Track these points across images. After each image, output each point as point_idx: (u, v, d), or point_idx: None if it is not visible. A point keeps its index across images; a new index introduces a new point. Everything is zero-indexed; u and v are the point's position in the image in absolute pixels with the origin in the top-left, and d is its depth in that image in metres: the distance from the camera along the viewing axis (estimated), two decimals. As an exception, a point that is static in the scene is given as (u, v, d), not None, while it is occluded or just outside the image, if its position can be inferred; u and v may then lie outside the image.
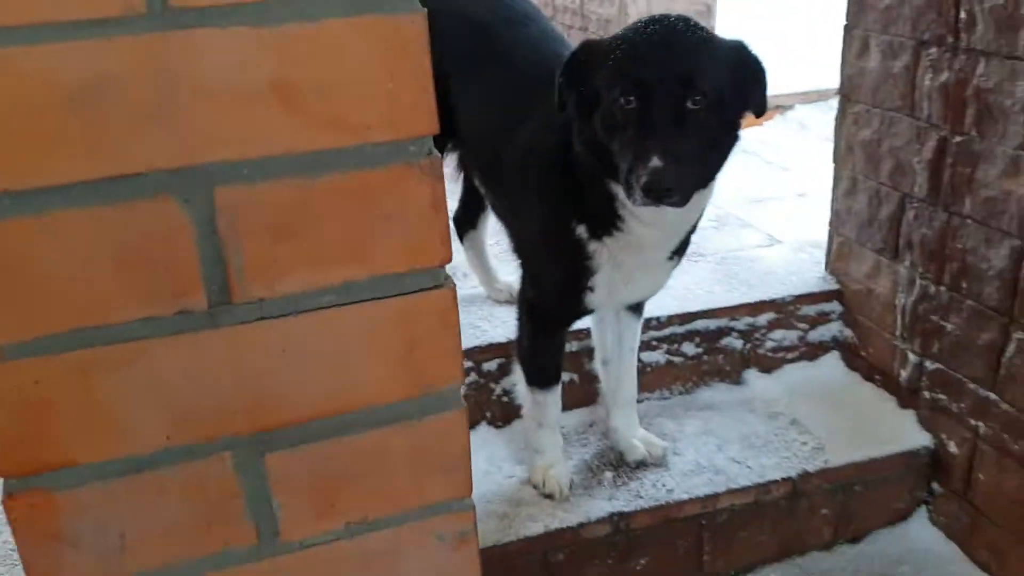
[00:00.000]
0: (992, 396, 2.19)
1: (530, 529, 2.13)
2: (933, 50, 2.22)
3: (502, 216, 2.23)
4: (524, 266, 2.09)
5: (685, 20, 1.68)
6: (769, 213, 3.35)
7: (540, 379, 2.12)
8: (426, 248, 0.77)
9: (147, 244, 0.69)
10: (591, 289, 1.91)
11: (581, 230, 1.86)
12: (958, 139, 2.18)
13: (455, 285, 0.80)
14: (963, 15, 2.11)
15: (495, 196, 2.24)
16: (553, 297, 2.01)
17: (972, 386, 2.25)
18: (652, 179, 1.52)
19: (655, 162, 1.52)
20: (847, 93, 2.58)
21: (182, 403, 0.74)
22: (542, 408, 2.16)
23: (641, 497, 2.23)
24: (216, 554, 0.80)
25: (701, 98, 1.58)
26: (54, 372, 0.70)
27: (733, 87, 1.64)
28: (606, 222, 1.82)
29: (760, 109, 1.72)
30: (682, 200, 1.59)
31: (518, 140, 1.97)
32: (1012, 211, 2.05)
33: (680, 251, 1.96)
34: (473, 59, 2.09)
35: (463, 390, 0.84)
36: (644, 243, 1.84)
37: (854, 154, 2.58)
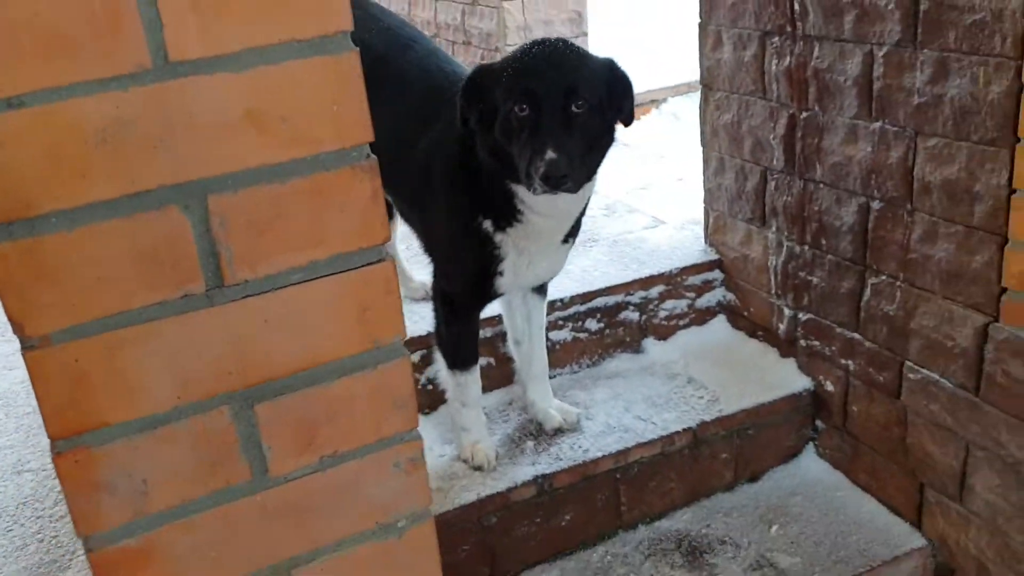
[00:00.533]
0: (857, 336, 2.51)
1: (464, 498, 2.34)
2: (776, 39, 2.53)
3: (411, 220, 2.45)
4: (436, 261, 2.31)
5: (564, 42, 1.98)
6: (652, 198, 3.64)
7: (459, 362, 2.35)
8: (370, 231, 0.98)
9: (157, 244, 0.89)
10: (500, 274, 2.15)
11: (487, 224, 2.10)
12: (804, 115, 2.49)
13: (393, 258, 1.02)
14: (797, 6, 2.42)
15: (404, 203, 2.46)
16: (466, 285, 2.24)
17: (839, 330, 2.56)
18: (548, 168, 1.79)
19: (550, 154, 1.80)
20: (707, 83, 2.88)
21: (188, 368, 0.94)
22: (464, 389, 2.38)
23: (560, 459, 2.47)
24: (219, 491, 1.00)
25: (583, 103, 1.86)
26: (89, 351, 0.89)
27: (607, 96, 1.93)
28: (508, 216, 2.07)
29: (628, 118, 2.02)
30: (575, 186, 1.87)
31: (421, 150, 2.20)
32: (855, 173, 2.37)
33: (572, 235, 2.22)
34: (374, 84, 2.30)
35: (405, 349, 1.06)
36: (541, 230, 2.10)
37: (719, 136, 2.88)
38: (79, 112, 0.81)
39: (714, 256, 3.02)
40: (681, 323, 3.01)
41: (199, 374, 0.95)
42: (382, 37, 2.42)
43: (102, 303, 0.88)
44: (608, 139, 2.02)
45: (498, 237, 2.12)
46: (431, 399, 2.66)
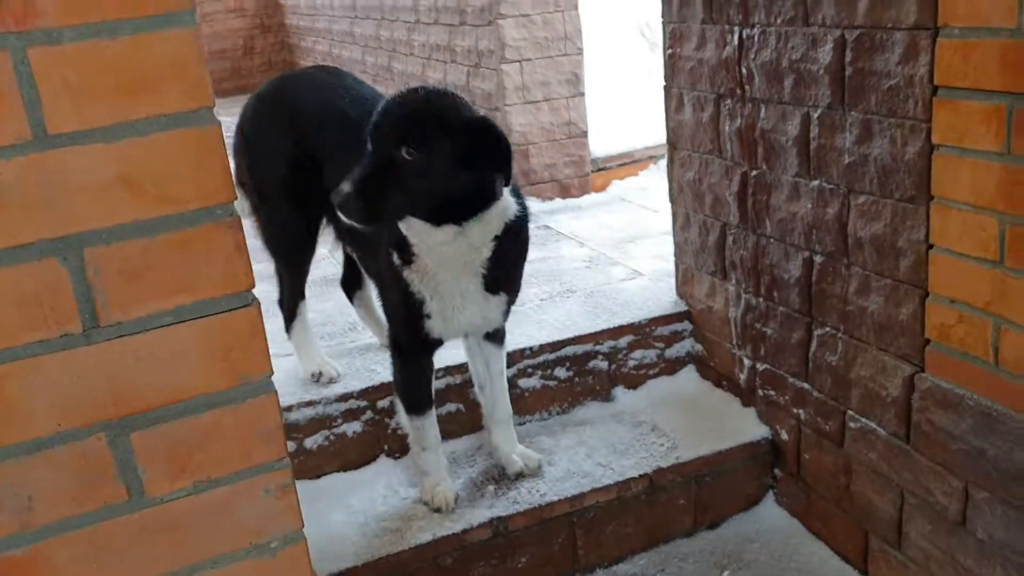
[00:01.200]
0: (806, 386, 2.58)
1: (420, 539, 2.45)
2: (728, 101, 2.66)
3: (368, 270, 2.63)
4: (384, 308, 2.48)
5: (437, 92, 2.13)
6: (637, 251, 3.75)
7: (414, 407, 2.47)
8: (234, 279, 1.12)
9: (38, 290, 1.03)
10: (428, 316, 2.29)
11: (395, 257, 2.27)
12: (754, 173, 2.61)
13: (259, 302, 1.15)
14: (745, 71, 2.55)
15: (358, 253, 2.64)
16: (402, 326, 2.38)
17: (791, 380, 2.64)
18: (339, 202, 2.00)
19: (344, 187, 1.99)
20: (672, 142, 3.02)
21: (67, 398, 1.07)
22: (421, 432, 2.50)
23: (518, 503, 2.57)
24: (99, 509, 1.12)
25: (413, 152, 2.01)
26: (-24, 382, 1.03)
27: (467, 151, 2.04)
28: (405, 249, 2.24)
29: (506, 177, 2.11)
30: (363, 220, 2.05)
31: None
32: (799, 228, 2.47)
33: (503, 288, 2.35)
34: (346, 144, 2.47)
35: (273, 385, 1.19)
36: (437, 271, 2.24)
37: (684, 193, 3.00)
38: None
39: (683, 308, 3.12)
40: (651, 372, 3.10)
41: (77, 404, 1.08)
42: (354, 105, 2.59)
43: (-13, 341, 1.03)
44: (470, 193, 2.10)
45: (406, 273, 2.28)
46: (401, 444, 2.78)
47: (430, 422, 2.50)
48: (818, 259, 2.43)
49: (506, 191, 2.16)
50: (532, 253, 3.74)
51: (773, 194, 2.55)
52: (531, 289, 3.40)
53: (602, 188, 4.75)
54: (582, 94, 4.50)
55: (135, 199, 1.06)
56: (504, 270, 2.31)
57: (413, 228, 2.15)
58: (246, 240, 1.14)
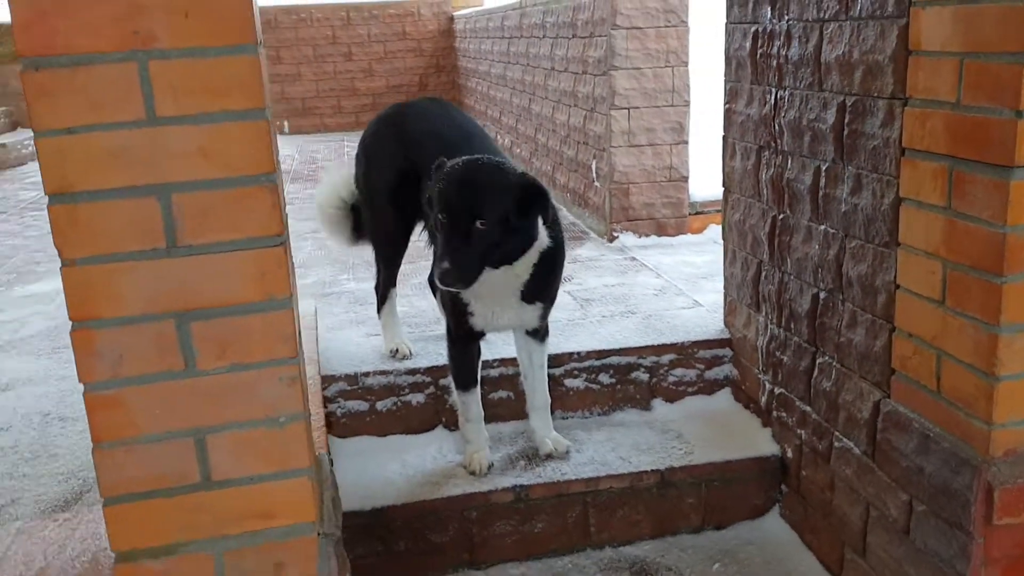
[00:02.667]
0: (808, 409, 2.89)
1: (452, 492, 2.91)
2: (765, 152, 3.02)
3: None
4: (440, 302, 3.01)
5: (487, 165, 2.58)
6: (709, 286, 4.10)
7: (461, 383, 2.95)
8: (270, 226, 1.64)
9: (142, 216, 1.59)
10: (471, 314, 2.78)
11: None
12: (781, 216, 2.96)
13: (287, 245, 1.66)
14: (777, 127, 2.92)
15: None
16: (452, 321, 2.87)
17: (798, 403, 2.95)
18: (441, 275, 2.45)
19: (444, 264, 2.44)
20: (727, 186, 3.39)
21: (152, 292, 1.61)
22: (466, 406, 2.97)
23: (541, 477, 2.99)
24: (164, 372, 1.65)
25: (484, 222, 2.46)
26: (97, 272, 1.59)
27: (518, 207, 2.50)
28: None
29: (545, 217, 2.60)
30: (464, 286, 2.50)
31: None
32: (810, 267, 2.81)
33: (538, 298, 2.81)
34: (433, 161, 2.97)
35: (291, 303, 1.69)
36: (482, 292, 2.70)
37: (733, 232, 3.36)
38: (107, 138, 1.53)
39: (726, 335, 3.46)
40: (689, 390, 3.46)
41: (157, 297, 1.62)
42: (454, 131, 3.13)
43: (106, 246, 1.58)
44: (521, 239, 2.57)
45: None
46: (455, 418, 3.25)
47: (474, 398, 2.97)
48: (822, 295, 2.75)
49: (541, 227, 2.64)
50: (609, 279, 4.20)
51: (794, 236, 2.89)
52: (595, 308, 3.83)
53: (699, 230, 5.10)
54: (685, 142, 4.89)
55: (208, 164, 1.60)
56: (539, 285, 2.77)
57: None
58: (280, 198, 1.66)
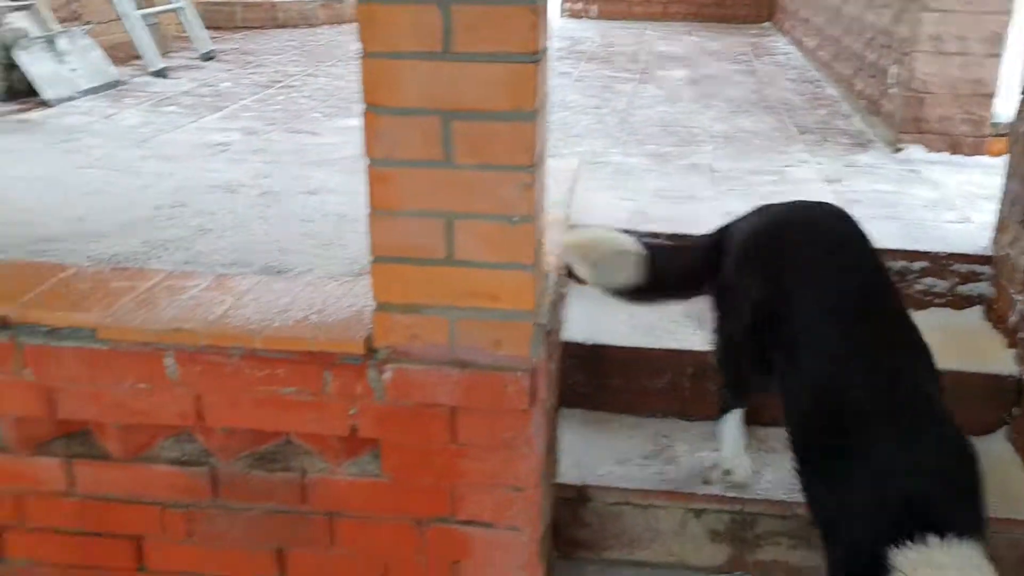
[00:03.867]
0: (1058, 333, 2.77)
1: (670, 345, 3.11)
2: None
3: None
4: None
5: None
6: (986, 207, 3.88)
7: None
8: (527, 42, 1.87)
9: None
10: None
11: None
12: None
13: (539, 63, 1.91)
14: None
15: None
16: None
17: (1048, 327, 2.83)
18: None
19: None
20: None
21: (427, 89, 1.91)
22: None
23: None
24: (427, 160, 1.96)
25: None
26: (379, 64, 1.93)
27: None
28: None
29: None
30: None
31: None
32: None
33: None
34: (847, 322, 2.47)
35: (534, 117, 1.95)
36: None
37: (1019, 144, 3.19)
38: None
39: (989, 253, 3.32)
40: (937, 301, 3.37)
41: (431, 94, 1.92)
42: (861, 290, 2.56)
43: (393, 44, 1.90)
44: None
45: None
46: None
47: None
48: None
49: None
50: (882, 185, 4.17)
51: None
52: (856, 209, 3.75)
53: (999, 153, 4.75)
54: (999, 55, 4.55)
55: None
56: None
57: None
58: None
